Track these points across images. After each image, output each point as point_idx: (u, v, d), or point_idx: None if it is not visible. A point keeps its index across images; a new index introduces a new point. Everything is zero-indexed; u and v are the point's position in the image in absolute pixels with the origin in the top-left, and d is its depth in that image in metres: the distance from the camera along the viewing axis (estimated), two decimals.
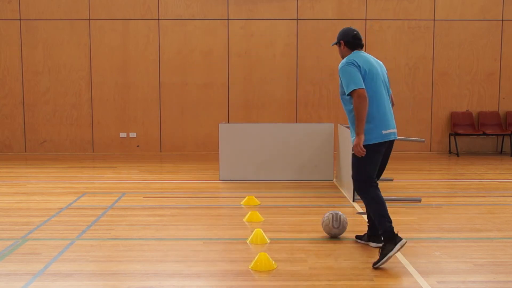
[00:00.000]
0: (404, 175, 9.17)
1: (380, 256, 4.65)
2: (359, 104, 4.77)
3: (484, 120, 11.46)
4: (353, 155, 4.95)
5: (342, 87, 4.96)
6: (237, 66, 11.48)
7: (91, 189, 7.98)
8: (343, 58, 5.09)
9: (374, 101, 4.90)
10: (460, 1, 11.42)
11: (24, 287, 4.26)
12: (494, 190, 7.92)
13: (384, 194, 7.39)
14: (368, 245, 5.32)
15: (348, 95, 4.88)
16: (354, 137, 4.85)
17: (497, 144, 11.73)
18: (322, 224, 5.57)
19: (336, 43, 5.19)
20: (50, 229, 5.89)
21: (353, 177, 5.11)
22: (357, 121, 4.80)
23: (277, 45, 11.46)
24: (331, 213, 5.52)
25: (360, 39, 5.13)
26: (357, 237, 5.49)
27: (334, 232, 5.50)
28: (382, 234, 4.82)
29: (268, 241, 5.33)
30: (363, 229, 5.83)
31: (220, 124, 8.55)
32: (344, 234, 5.65)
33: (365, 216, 6.20)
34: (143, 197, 7.45)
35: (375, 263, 4.67)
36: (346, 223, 5.56)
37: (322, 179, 8.42)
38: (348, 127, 7.35)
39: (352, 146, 4.90)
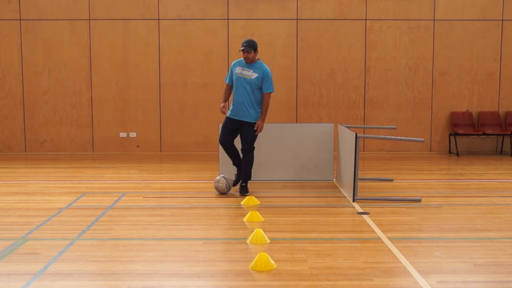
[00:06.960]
0: (404, 175, 9.17)
1: (244, 192, 7.35)
2: (269, 102, 7.46)
3: (484, 120, 11.46)
4: (255, 131, 7.45)
5: (262, 84, 7.34)
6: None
7: (91, 189, 7.98)
8: (252, 61, 7.35)
9: None
10: (460, 1, 11.41)
11: (24, 287, 4.26)
12: (494, 190, 7.91)
13: (384, 194, 7.50)
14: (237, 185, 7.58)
15: (268, 92, 7.36)
16: (258, 120, 7.48)
17: (497, 144, 11.72)
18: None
19: (253, 50, 7.27)
20: (50, 229, 5.89)
21: (251, 145, 7.47)
22: (266, 112, 7.48)
23: (277, 45, 11.44)
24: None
25: None
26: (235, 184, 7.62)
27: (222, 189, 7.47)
28: (247, 180, 7.48)
29: (268, 241, 5.33)
30: (363, 228, 5.86)
31: (220, 124, 8.54)
32: (344, 234, 5.68)
33: (365, 216, 6.34)
34: (143, 197, 7.45)
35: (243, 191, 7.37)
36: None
37: (322, 179, 8.42)
38: (347, 127, 7.75)
39: (256, 124, 7.51)
